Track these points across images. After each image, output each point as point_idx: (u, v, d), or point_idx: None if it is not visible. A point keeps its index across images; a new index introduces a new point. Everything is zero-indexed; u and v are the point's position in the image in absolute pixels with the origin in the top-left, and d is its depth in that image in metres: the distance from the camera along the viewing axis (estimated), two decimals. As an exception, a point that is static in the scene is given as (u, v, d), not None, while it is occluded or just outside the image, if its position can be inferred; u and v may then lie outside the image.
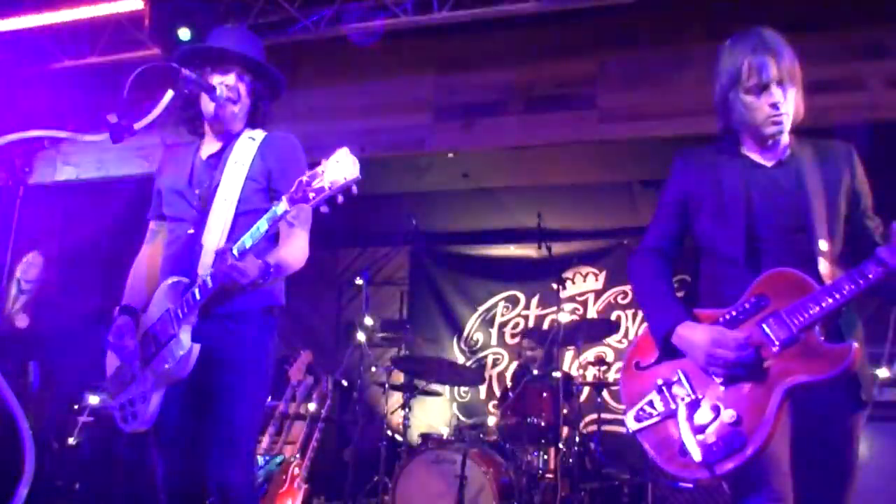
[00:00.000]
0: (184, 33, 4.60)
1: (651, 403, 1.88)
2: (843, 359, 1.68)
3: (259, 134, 2.37)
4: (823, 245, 1.83)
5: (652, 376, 1.91)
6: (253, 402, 2.22)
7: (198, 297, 2.10)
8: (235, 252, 2.00)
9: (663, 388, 1.87)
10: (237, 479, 2.12)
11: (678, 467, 1.79)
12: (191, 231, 2.24)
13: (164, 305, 2.19)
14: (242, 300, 2.21)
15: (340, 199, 1.88)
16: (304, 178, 1.90)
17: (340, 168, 1.85)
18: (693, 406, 1.80)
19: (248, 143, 2.32)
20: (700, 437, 1.76)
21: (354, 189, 1.86)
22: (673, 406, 1.83)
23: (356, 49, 5.22)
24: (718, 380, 1.80)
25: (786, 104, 1.90)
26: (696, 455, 1.74)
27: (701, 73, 4.34)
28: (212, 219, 2.21)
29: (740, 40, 1.95)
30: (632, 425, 1.90)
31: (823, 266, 1.82)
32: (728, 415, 1.75)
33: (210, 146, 2.38)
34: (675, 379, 1.86)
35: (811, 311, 1.73)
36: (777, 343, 1.75)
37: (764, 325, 1.78)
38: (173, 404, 2.19)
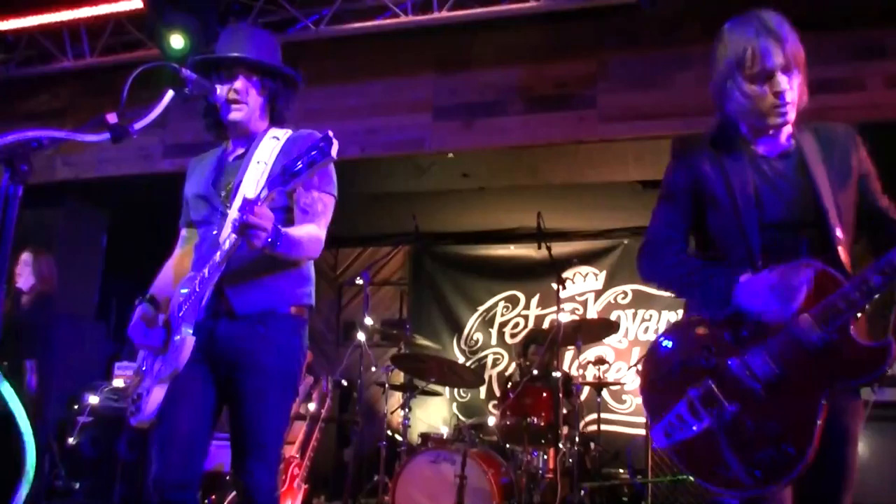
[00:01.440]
0: (176, 41, 4.57)
1: (680, 415, 1.74)
2: (885, 357, 1.60)
3: (283, 133, 2.34)
4: (839, 233, 1.75)
5: (679, 386, 1.77)
6: (282, 408, 2.21)
7: (217, 259, 2.07)
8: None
9: (694, 399, 1.73)
10: (266, 484, 2.12)
11: (722, 484, 1.67)
12: (214, 232, 2.23)
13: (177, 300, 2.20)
14: (271, 299, 2.19)
15: (316, 179, 1.88)
16: (289, 165, 1.90)
17: (318, 150, 1.85)
18: (730, 417, 1.68)
19: (272, 143, 2.30)
20: (743, 451, 1.65)
21: (332, 170, 1.89)
22: (706, 418, 1.71)
23: (356, 49, 5.22)
24: (753, 387, 1.69)
25: (791, 92, 1.79)
26: (742, 471, 1.63)
27: (701, 73, 4.33)
28: (232, 218, 2.21)
29: (741, 24, 1.82)
30: (661, 440, 1.77)
31: (843, 255, 1.74)
32: (770, 428, 1.64)
33: (235, 147, 2.37)
34: (706, 389, 1.73)
35: (843, 311, 1.63)
36: (810, 347, 1.66)
37: (794, 329, 1.67)
38: (182, 400, 2.17)
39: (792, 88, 1.79)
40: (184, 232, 2.47)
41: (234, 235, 2.00)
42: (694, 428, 1.72)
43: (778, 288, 1.66)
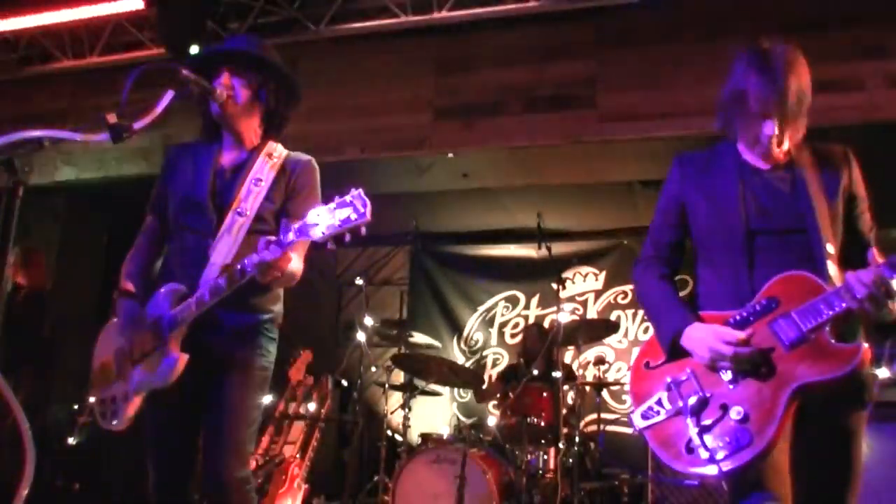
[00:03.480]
0: (194, 49, 4.64)
1: (659, 401, 1.88)
2: (853, 358, 1.69)
3: (280, 151, 2.38)
4: (830, 248, 1.83)
5: (661, 375, 1.91)
6: (251, 408, 2.24)
7: (222, 284, 2.09)
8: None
9: (672, 386, 1.87)
10: (233, 483, 2.13)
11: (684, 465, 1.80)
12: (203, 242, 2.23)
13: (161, 310, 2.19)
14: (254, 314, 2.27)
15: (348, 237, 1.88)
16: (317, 213, 1.90)
17: (352, 208, 1.87)
18: (701, 404, 1.81)
19: (270, 161, 2.33)
20: (707, 434, 1.76)
21: (363, 230, 1.88)
22: (681, 404, 1.83)
23: (356, 49, 5.22)
24: (726, 377, 1.80)
25: (781, 136, 1.88)
26: (703, 453, 1.74)
27: (701, 73, 4.34)
28: (223, 234, 2.22)
29: (754, 61, 1.89)
30: (639, 423, 1.90)
31: (832, 269, 1.81)
32: (735, 412, 1.75)
33: (230, 155, 2.37)
34: (683, 377, 1.86)
35: (823, 313, 1.73)
36: (786, 343, 1.76)
37: (774, 326, 1.78)
38: (163, 409, 2.20)
39: (783, 132, 1.87)
40: (150, 220, 2.45)
41: (245, 269, 2.03)
42: (668, 413, 1.86)
43: (715, 345, 1.81)
